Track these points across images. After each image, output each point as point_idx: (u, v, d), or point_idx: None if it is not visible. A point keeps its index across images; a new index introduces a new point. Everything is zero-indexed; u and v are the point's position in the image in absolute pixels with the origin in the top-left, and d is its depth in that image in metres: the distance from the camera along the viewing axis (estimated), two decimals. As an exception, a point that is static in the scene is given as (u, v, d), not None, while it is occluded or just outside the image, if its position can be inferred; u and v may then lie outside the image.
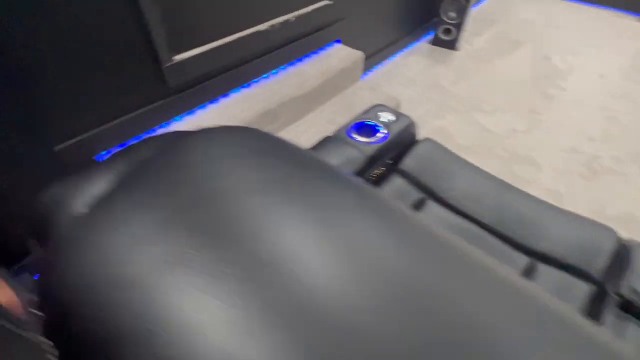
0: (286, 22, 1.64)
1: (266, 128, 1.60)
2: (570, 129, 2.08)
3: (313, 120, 1.78)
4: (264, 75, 1.72)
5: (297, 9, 1.69)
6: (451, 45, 2.77)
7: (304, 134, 1.70)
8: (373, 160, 0.97)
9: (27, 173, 1.12)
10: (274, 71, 1.76)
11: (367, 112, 1.11)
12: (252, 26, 1.54)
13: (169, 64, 1.29)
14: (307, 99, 1.74)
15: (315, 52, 1.92)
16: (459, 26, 2.66)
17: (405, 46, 2.75)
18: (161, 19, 1.20)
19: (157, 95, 1.35)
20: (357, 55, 1.94)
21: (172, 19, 1.24)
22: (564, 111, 2.21)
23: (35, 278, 0.37)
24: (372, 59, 2.43)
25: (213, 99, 1.55)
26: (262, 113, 1.54)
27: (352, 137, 0.99)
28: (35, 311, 0.33)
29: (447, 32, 2.74)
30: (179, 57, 1.33)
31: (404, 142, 1.06)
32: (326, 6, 1.80)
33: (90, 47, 1.10)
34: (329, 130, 1.63)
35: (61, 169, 1.18)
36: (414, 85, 2.40)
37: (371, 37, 2.33)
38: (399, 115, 1.08)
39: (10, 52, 0.95)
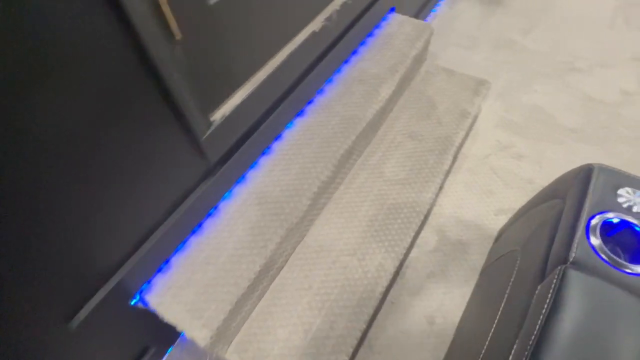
0: (344, 4, 1.07)
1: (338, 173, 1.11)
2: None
3: (386, 139, 1.29)
4: (319, 91, 1.19)
5: (352, -21, 1.11)
6: (504, -24, 2.15)
7: (384, 164, 1.23)
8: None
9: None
10: (329, 79, 1.23)
11: (581, 188, 0.66)
12: (303, 28, 0.98)
13: (206, 135, 0.78)
14: (380, 112, 1.23)
15: (370, 34, 1.36)
16: (516, -51, 2.02)
17: (447, -12, 2.13)
18: (190, 88, 0.67)
19: (199, 176, 0.86)
20: (424, 28, 1.39)
21: (200, 76, 0.71)
22: (673, 52, 1.74)
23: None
24: (417, 15, 1.85)
25: (265, 149, 1.05)
26: (337, 158, 1.06)
27: (615, 267, 0.56)
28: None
29: (500, -41, 2.11)
30: (218, 115, 0.81)
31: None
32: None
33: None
34: (414, 149, 1.24)
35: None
36: (476, 46, 1.86)
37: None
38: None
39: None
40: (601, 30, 1.86)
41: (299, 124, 1.12)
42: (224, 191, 0.95)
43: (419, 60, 1.42)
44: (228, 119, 0.82)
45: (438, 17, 2.01)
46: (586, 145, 1.45)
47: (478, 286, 1.10)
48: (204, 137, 0.78)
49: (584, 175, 0.67)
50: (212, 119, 0.79)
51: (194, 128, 0.74)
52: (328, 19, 1.02)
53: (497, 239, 1.17)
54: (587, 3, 2.00)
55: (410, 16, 1.74)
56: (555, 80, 1.68)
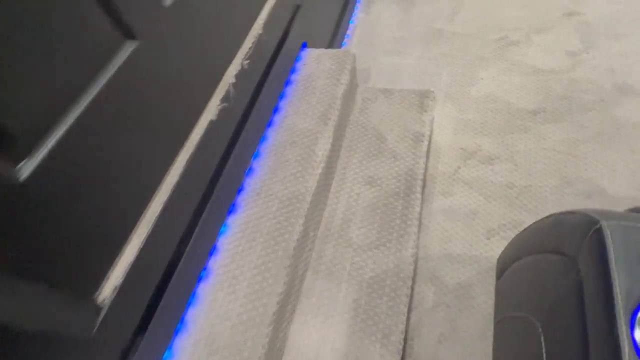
0: (240, 72, 0.88)
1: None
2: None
3: (342, 194, 1.11)
4: (247, 172, 0.99)
5: (254, 19, 0.92)
6: (410, -35, 2.04)
7: (349, 228, 1.04)
8: None
9: None
10: (255, 154, 1.03)
11: (599, 260, 0.49)
12: (194, 125, 0.78)
13: (98, 325, 0.57)
14: (325, 173, 1.05)
15: (288, 82, 1.18)
16: (413, -64, 1.91)
17: (358, -6, 1.98)
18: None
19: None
20: (344, 58, 1.22)
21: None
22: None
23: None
24: (335, 35, 1.69)
25: (200, 274, 0.84)
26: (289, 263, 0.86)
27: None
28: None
29: (401, -51, 1.99)
30: (107, 290, 0.60)
31: None
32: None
33: None
34: (377, 198, 1.12)
35: None
36: (406, 47, 1.72)
37: (320, 9, 1.56)
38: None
39: None
40: (524, -6, 1.76)
41: (234, 223, 0.92)
42: (159, 356, 0.74)
43: (351, 91, 1.25)
44: (124, 287, 0.61)
45: (358, 27, 1.86)
46: (553, 125, 1.32)
47: (498, 340, 0.93)
48: (95, 329, 0.56)
49: (597, 239, 0.50)
50: (99, 300, 0.58)
51: (75, 331, 0.53)
52: (225, 98, 0.83)
53: (500, 274, 1.01)
54: (500, -31, 1.90)
55: (328, 42, 1.58)
56: (498, 61, 1.55)
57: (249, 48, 0.91)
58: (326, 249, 1.02)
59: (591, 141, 1.26)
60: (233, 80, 0.85)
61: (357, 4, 1.97)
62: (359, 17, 1.91)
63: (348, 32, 1.85)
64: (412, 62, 1.65)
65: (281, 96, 1.15)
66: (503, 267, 0.98)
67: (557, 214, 0.68)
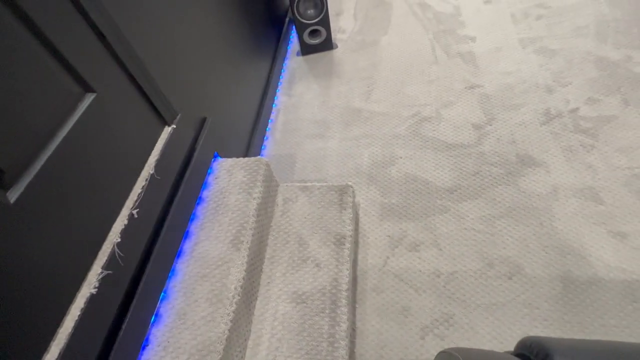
0: (127, 228, 0.81)
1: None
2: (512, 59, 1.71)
3: (266, 317, 1.05)
4: (153, 321, 0.90)
5: (144, 162, 0.86)
6: (326, 45, 2.16)
7: (275, 355, 0.97)
8: None
9: None
10: (163, 294, 0.94)
11: None
12: (67, 310, 0.69)
13: None
14: (240, 308, 0.99)
15: (199, 201, 1.13)
16: (324, 20, 2.03)
17: (276, 81, 2.04)
18: None
19: None
20: (256, 168, 1.20)
21: None
22: (493, 45, 1.83)
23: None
24: (255, 125, 1.70)
25: None
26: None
27: None
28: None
29: (315, 33, 2.10)
30: None
31: None
32: (188, 111, 1.00)
33: None
34: (302, 319, 1.06)
35: None
36: (328, 129, 1.76)
37: (238, 102, 1.57)
38: None
39: None
40: (429, 69, 1.91)
41: (137, 392, 0.81)
42: None
43: (270, 196, 1.22)
44: None
45: (281, 111, 1.89)
46: (469, 203, 1.38)
47: None
48: None
49: None
50: None
51: None
52: (107, 265, 0.75)
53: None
54: (407, 46, 2.06)
55: (246, 140, 1.57)
56: (413, 139, 1.63)
57: (139, 194, 0.85)
58: (252, 389, 0.93)
59: (505, 216, 1.32)
60: (118, 239, 0.78)
61: (279, 86, 2.02)
62: (282, 101, 1.95)
63: (272, 116, 1.87)
64: (335, 145, 1.69)
65: (192, 218, 1.09)
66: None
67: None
